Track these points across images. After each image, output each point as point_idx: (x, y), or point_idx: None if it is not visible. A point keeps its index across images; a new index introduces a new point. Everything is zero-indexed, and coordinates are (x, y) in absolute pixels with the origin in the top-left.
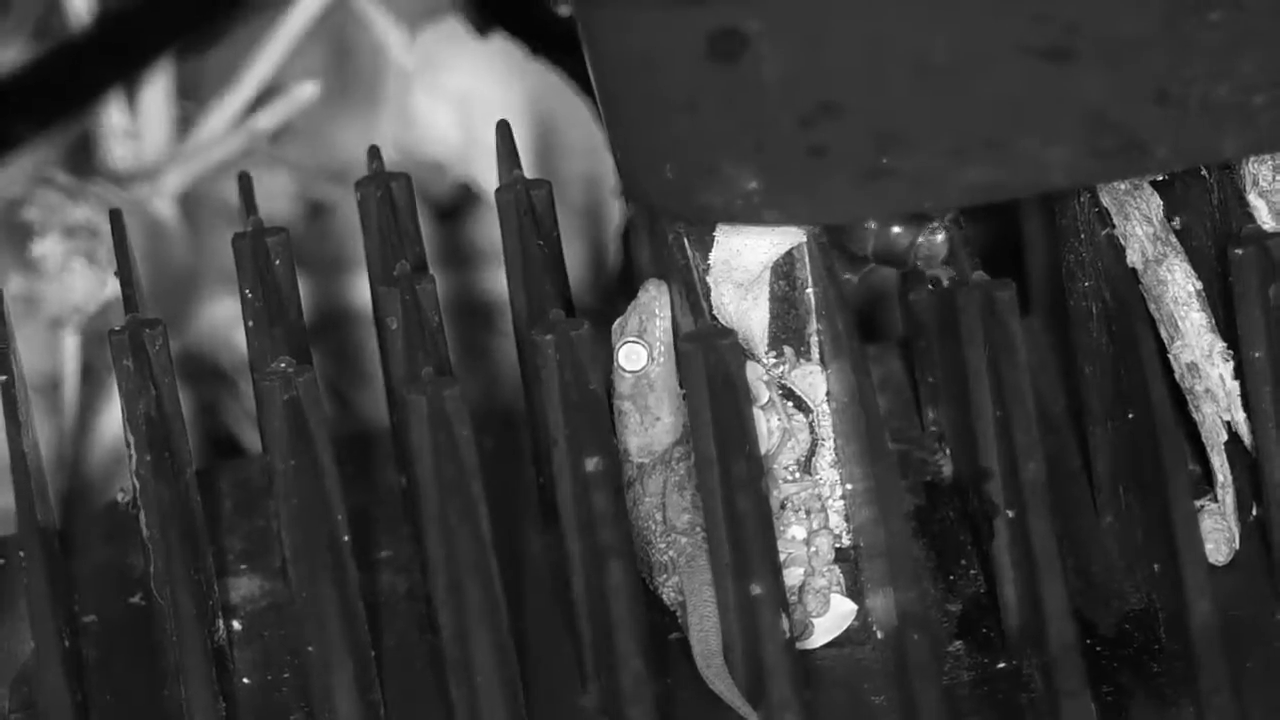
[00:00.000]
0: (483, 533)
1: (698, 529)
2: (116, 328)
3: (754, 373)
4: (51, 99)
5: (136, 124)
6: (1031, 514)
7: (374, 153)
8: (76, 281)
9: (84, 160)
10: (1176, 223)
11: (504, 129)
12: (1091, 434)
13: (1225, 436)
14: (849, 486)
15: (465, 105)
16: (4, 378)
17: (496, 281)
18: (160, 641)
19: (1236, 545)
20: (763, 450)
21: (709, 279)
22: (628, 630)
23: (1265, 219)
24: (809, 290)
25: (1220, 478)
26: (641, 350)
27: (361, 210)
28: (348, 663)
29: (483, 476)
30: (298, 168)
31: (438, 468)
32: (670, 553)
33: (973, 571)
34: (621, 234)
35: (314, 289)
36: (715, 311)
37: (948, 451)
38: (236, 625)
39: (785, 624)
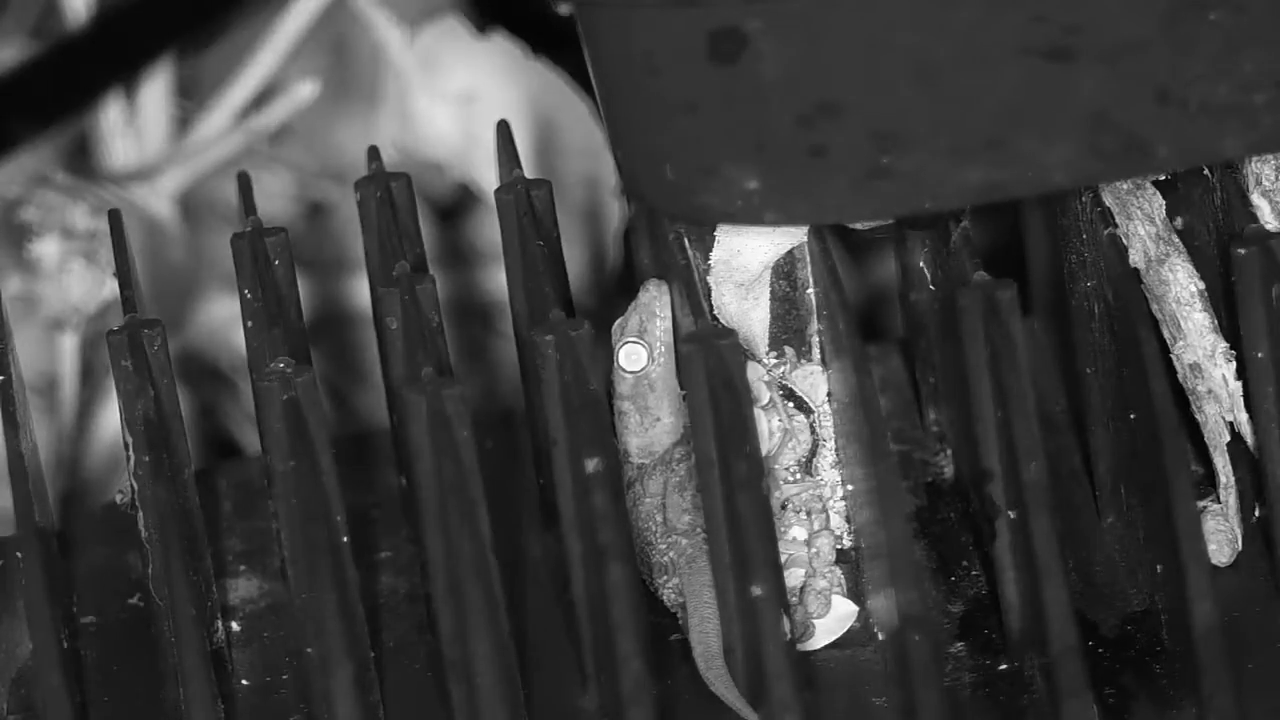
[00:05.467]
0: (483, 533)
1: (698, 530)
2: (115, 328)
3: (755, 373)
4: (50, 99)
5: (135, 124)
6: (1033, 515)
7: (374, 153)
8: (75, 282)
9: (82, 160)
10: (1179, 222)
11: (504, 129)
12: (1093, 435)
13: (1228, 437)
14: (850, 487)
15: (465, 105)
16: (2, 378)
17: (496, 281)
18: (159, 643)
19: (1239, 546)
20: (763, 451)
21: (709, 279)
22: (628, 631)
23: (1268, 218)
24: (810, 290)
25: (1223, 479)
26: (642, 350)
27: (361, 210)
28: (347, 664)
29: (483, 477)
30: (297, 168)
31: (438, 468)
32: (670, 554)
33: (974, 572)
34: (621, 234)
35: (314, 289)
36: (716, 311)
37: (949, 452)
38: (235, 626)
39: (786, 625)
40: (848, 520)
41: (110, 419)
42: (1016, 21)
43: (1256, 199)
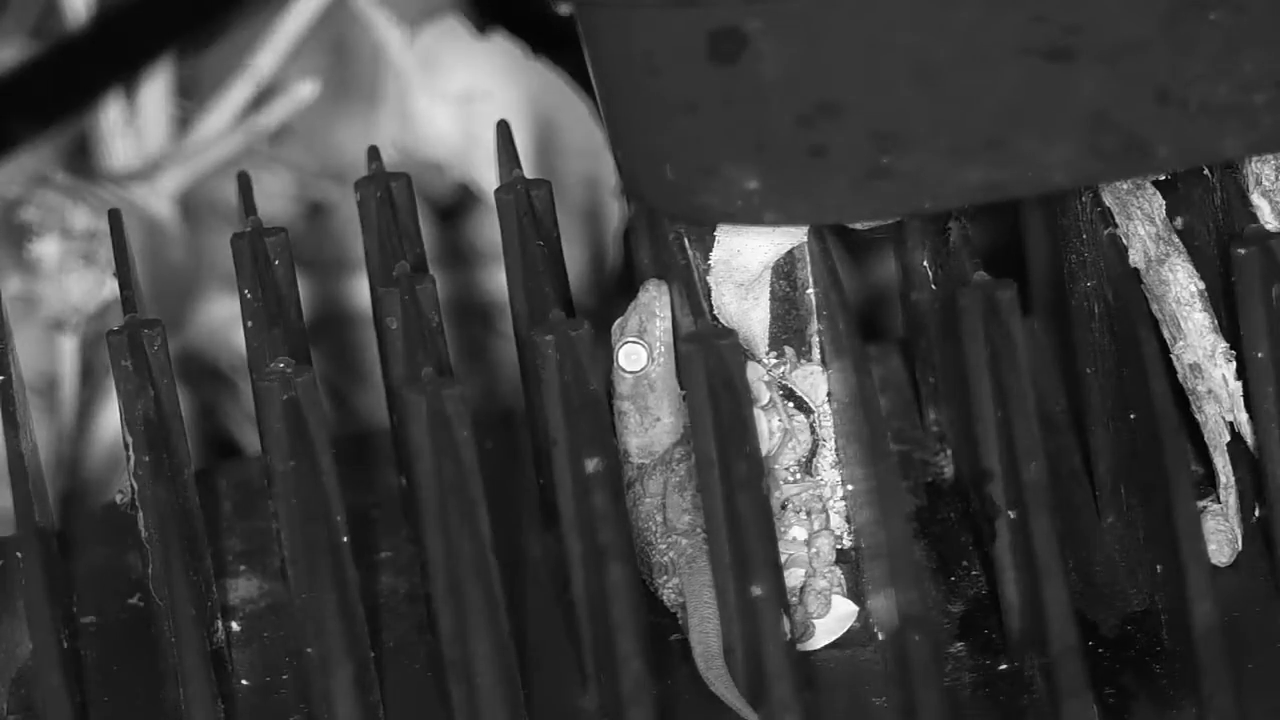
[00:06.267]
0: (483, 533)
1: (698, 530)
2: (115, 328)
3: (755, 373)
4: (50, 99)
5: (135, 124)
6: (1033, 515)
7: (374, 153)
8: (75, 282)
9: (83, 160)
10: (1179, 222)
11: (504, 129)
12: (1093, 435)
13: (1228, 437)
14: (850, 487)
15: (465, 105)
16: (2, 378)
17: (496, 281)
18: (159, 643)
19: (1239, 546)
20: (763, 451)
21: (709, 279)
22: (628, 631)
23: (1268, 218)
24: (810, 290)
25: (1223, 478)
26: (641, 350)
27: (361, 210)
28: (347, 664)
29: (483, 477)
30: (298, 168)
31: (438, 468)
32: (670, 554)
33: (974, 572)
34: (621, 234)
35: (314, 289)
36: (716, 311)
37: (949, 452)
38: (235, 626)
39: (786, 625)
40: (848, 520)
41: (110, 419)
42: (1016, 21)
43: (1256, 199)
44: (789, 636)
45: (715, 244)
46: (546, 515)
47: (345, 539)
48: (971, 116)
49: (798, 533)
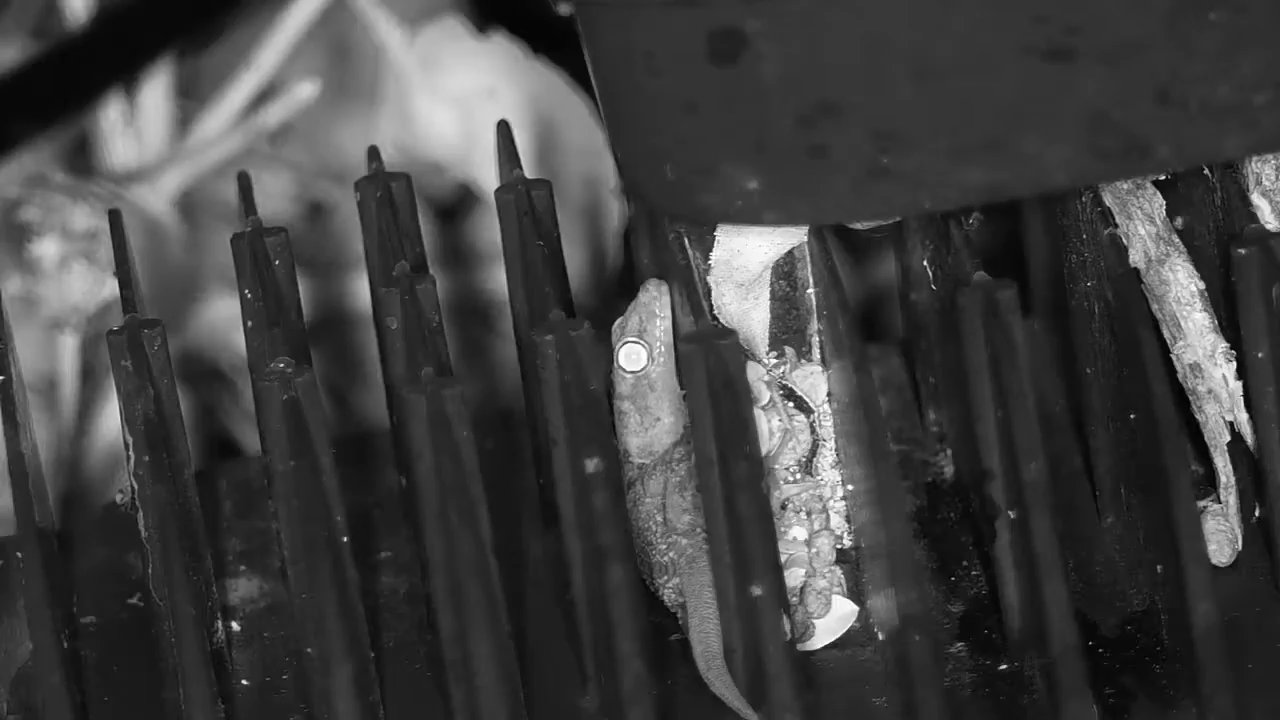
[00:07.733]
0: (483, 533)
1: (698, 530)
2: (115, 328)
3: (755, 373)
4: (50, 99)
5: (135, 124)
6: (1033, 515)
7: (374, 153)
8: (75, 282)
9: (83, 160)
10: (1179, 222)
11: (504, 129)
12: (1093, 435)
13: (1228, 437)
14: (850, 487)
15: (465, 105)
16: (2, 378)
17: (496, 281)
18: (159, 643)
19: (1239, 546)
20: (763, 451)
21: (710, 279)
22: (628, 632)
23: (1268, 218)
24: (810, 290)
25: (1223, 479)
26: (641, 350)
27: (361, 210)
28: (347, 664)
29: (483, 477)
30: (298, 168)
31: (438, 468)
32: (671, 554)
33: (974, 573)
34: (621, 234)
35: (314, 289)
36: (716, 311)
37: (949, 452)
38: (235, 626)
39: (786, 625)
40: (848, 520)
41: (110, 419)
42: (1016, 21)
43: (1256, 199)
44: (789, 636)
45: (715, 244)
46: (546, 515)
47: (345, 539)
48: (971, 116)
49: (798, 533)
